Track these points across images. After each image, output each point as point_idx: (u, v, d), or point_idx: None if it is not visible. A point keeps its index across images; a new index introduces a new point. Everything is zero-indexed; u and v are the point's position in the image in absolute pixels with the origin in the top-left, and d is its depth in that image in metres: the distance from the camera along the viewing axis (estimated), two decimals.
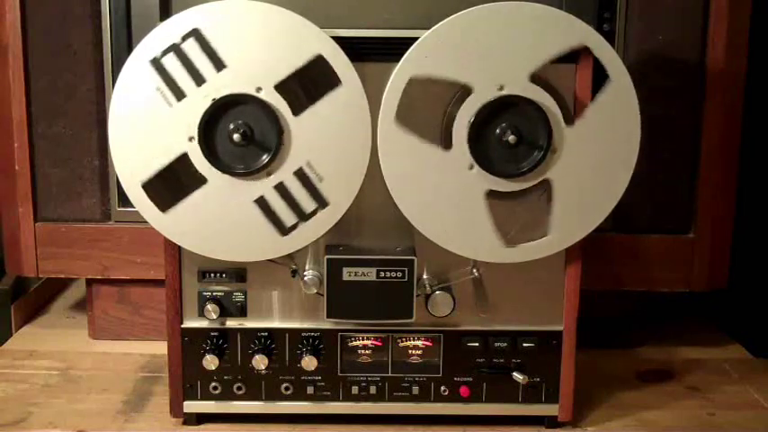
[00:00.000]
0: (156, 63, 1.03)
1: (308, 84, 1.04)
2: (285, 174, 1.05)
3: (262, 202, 1.06)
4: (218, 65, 1.03)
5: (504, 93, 1.03)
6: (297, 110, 1.04)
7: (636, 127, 1.06)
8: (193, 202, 1.06)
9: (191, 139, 1.04)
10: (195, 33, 1.03)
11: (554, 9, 1.03)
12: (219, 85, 1.03)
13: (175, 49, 1.03)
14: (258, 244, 1.07)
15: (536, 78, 1.04)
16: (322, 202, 1.06)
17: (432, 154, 1.06)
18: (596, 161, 1.06)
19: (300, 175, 1.05)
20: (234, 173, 1.05)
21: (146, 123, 1.04)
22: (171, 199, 1.06)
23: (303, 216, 1.06)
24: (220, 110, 1.04)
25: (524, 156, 1.06)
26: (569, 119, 1.06)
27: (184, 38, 1.03)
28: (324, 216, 1.06)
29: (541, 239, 1.08)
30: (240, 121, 1.04)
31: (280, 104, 1.04)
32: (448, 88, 1.05)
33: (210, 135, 1.04)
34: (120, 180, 1.06)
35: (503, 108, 1.04)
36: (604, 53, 1.04)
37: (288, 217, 1.06)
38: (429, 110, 1.07)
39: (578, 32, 1.03)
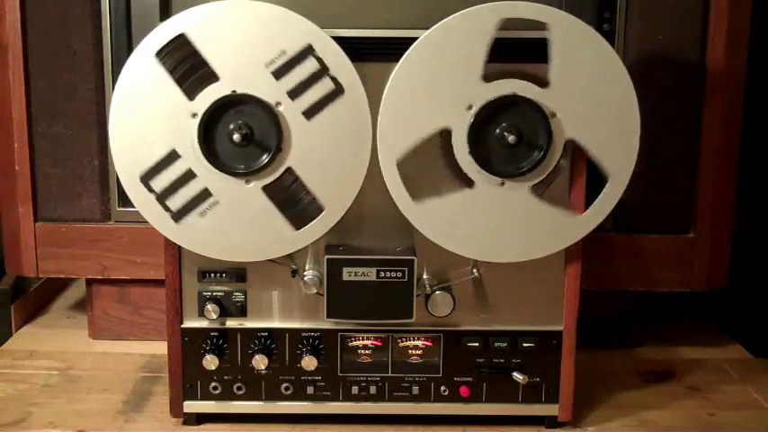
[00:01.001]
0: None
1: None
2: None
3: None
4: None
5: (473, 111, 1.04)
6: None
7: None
8: None
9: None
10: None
11: None
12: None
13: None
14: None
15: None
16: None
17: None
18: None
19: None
20: (237, 173, 1.05)
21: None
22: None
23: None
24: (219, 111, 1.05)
25: (524, 156, 1.06)
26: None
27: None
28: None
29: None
30: (240, 122, 1.04)
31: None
32: None
33: (211, 139, 1.05)
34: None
35: (503, 108, 1.04)
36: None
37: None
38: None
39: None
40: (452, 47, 1.03)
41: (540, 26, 1.03)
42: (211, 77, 1.03)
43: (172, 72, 1.03)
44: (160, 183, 1.05)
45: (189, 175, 1.05)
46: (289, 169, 1.05)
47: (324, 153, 1.05)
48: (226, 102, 1.04)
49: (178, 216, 1.06)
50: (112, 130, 1.05)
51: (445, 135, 1.06)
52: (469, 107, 1.04)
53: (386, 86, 1.04)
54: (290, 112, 1.04)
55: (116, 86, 1.04)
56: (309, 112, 1.04)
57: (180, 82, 1.03)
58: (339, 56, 1.03)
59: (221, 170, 1.05)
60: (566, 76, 1.04)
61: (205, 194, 1.06)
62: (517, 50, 1.05)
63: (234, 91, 1.03)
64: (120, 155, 1.05)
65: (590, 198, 1.09)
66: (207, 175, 1.05)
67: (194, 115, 1.04)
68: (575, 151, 1.08)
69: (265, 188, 1.06)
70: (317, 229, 1.07)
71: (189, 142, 1.04)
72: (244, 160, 1.05)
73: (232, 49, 1.03)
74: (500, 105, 1.04)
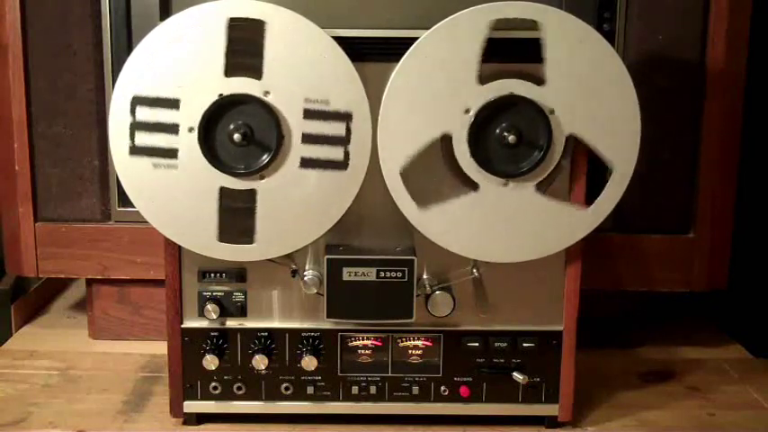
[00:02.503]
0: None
1: None
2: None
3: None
4: None
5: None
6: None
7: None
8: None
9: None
10: None
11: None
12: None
13: None
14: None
15: None
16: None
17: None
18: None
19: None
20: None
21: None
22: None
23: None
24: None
25: (526, 155, 1.06)
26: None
27: None
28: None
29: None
30: (240, 122, 1.04)
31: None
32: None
33: (212, 135, 1.05)
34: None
35: (503, 108, 1.04)
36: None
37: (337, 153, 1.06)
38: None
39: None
40: (445, 52, 1.03)
41: (533, 25, 1.03)
42: (255, 71, 1.03)
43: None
44: (145, 114, 1.04)
45: (172, 129, 1.04)
46: (252, 191, 1.06)
47: (293, 200, 1.06)
48: (248, 99, 1.04)
49: (135, 151, 1.05)
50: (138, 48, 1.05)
51: (446, 140, 1.06)
52: (467, 110, 1.04)
53: (384, 91, 1.04)
54: (295, 150, 1.05)
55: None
56: (306, 162, 1.05)
57: (227, 55, 1.03)
58: (365, 137, 1.05)
59: (224, 172, 1.05)
60: (561, 72, 1.03)
61: (171, 153, 1.05)
62: (512, 51, 1.05)
63: (266, 92, 1.04)
64: (130, 69, 1.04)
65: (590, 198, 1.09)
66: (186, 143, 1.04)
67: (191, 130, 1.04)
68: (575, 148, 1.08)
69: (223, 189, 1.06)
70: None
71: (197, 110, 1.04)
72: (244, 160, 1.05)
73: (288, 65, 1.03)
74: (498, 106, 1.04)
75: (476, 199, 1.07)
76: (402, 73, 1.04)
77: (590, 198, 1.09)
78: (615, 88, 1.04)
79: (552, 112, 1.04)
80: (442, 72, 1.03)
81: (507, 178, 1.06)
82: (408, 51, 1.03)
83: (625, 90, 1.04)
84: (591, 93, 1.04)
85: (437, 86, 1.04)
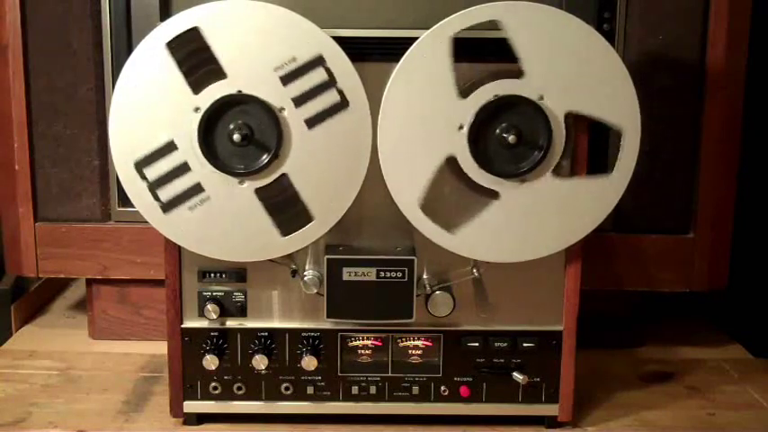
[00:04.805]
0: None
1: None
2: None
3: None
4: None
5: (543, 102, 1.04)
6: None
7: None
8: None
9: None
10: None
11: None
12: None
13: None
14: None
15: None
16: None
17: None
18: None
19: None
20: (235, 172, 1.05)
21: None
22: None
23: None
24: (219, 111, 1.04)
25: (531, 149, 1.05)
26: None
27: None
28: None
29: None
30: (240, 121, 1.04)
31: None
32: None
33: (211, 136, 1.05)
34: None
35: (493, 112, 1.04)
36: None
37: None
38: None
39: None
40: (421, 77, 1.03)
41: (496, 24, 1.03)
42: (219, 75, 1.03)
43: (180, 63, 1.03)
44: (154, 172, 1.05)
45: (183, 168, 1.05)
46: (284, 175, 1.05)
47: (320, 164, 1.05)
48: (230, 100, 1.03)
49: (167, 207, 1.05)
50: (113, 114, 1.04)
51: (451, 161, 1.05)
52: (461, 127, 1.04)
53: (377, 123, 1.04)
54: (293, 118, 1.04)
55: (122, 71, 1.04)
56: (312, 122, 1.04)
57: (186, 74, 1.03)
58: (348, 69, 1.03)
59: (218, 168, 1.04)
60: (537, 58, 1.03)
61: (197, 189, 1.05)
62: (483, 51, 1.05)
63: (239, 91, 1.03)
64: (117, 140, 1.05)
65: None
66: (201, 171, 1.05)
67: (197, 110, 1.03)
68: (576, 124, 1.07)
69: (258, 190, 1.06)
70: (303, 237, 1.07)
71: (188, 135, 1.04)
72: (241, 160, 1.05)
73: (242, 49, 1.03)
74: (488, 112, 1.04)
75: (500, 206, 1.07)
76: (390, 102, 1.03)
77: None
78: (593, 54, 1.04)
79: (542, 98, 1.04)
80: (425, 96, 1.04)
81: (523, 176, 1.06)
82: (390, 81, 1.03)
83: (604, 52, 1.04)
84: (571, 67, 1.04)
85: (425, 112, 1.04)
